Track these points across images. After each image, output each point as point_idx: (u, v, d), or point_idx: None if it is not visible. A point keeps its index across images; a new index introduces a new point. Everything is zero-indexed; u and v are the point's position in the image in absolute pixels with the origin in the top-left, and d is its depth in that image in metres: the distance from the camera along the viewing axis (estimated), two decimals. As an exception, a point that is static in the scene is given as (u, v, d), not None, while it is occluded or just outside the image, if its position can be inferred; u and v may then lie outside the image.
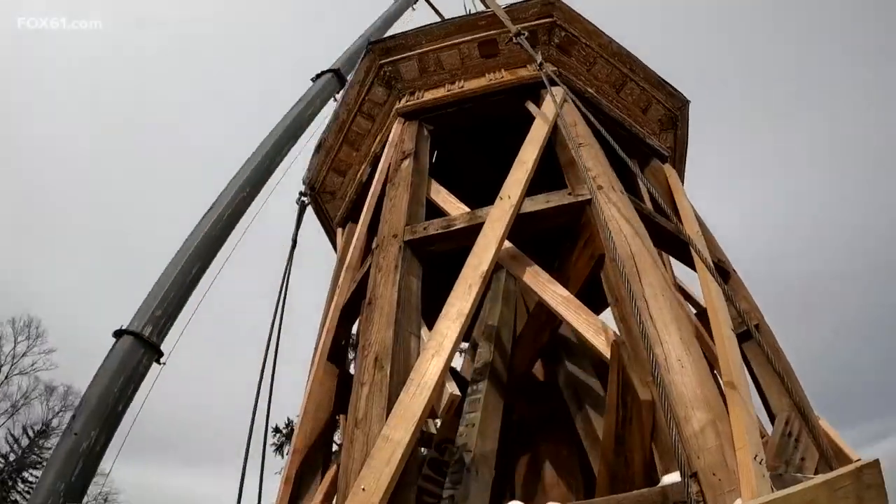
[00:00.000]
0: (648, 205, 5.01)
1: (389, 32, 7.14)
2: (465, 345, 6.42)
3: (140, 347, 3.82)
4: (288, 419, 17.14)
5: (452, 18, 6.76)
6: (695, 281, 4.82)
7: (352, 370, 4.95)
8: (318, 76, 6.80)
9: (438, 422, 4.85)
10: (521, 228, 4.28)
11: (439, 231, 4.41)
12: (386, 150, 5.57)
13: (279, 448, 16.92)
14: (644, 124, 6.25)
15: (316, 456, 4.63)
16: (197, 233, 4.62)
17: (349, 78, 6.67)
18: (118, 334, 3.84)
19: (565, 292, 4.01)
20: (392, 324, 3.70)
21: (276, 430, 17.09)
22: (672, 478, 2.77)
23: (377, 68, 6.09)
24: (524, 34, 5.52)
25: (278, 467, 16.90)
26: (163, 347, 3.99)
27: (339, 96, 6.44)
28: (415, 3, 9.81)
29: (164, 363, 3.97)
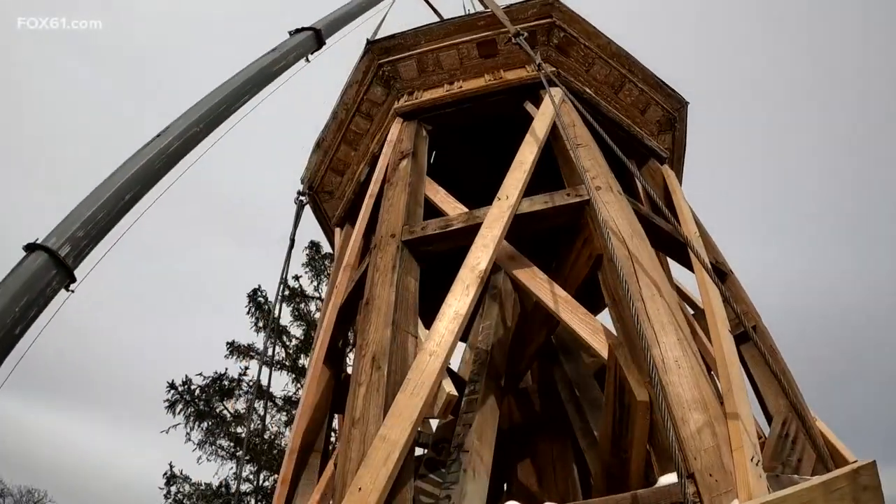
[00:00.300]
0: (646, 206, 5.01)
1: (388, 31, 7.07)
2: (462, 345, 6.43)
3: (53, 268, 3.35)
4: (186, 377, 17.20)
5: (452, 18, 6.75)
6: (693, 282, 4.83)
7: (349, 370, 4.95)
8: (297, 31, 6.42)
9: (436, 422, 4.87)
10: (519, 229, 4.27)
11: (437, 231, 4.41)
12: (384, 149, 5.56)
13: (171, 406, 16.83)
14: (642, 125, 6.26)
15: (313, 455, 4.63)
16: (139, 157, 4.11)
17: (328, 41, 6.51)
18: (30, 248, 3.38)
19: (563, 293, 4.01)
20: (389, 324, 3.70)
21: (171, 385, 16.88)
22: (669, 479, 2.77)
23: (376, 68, 6.09)
24: (523, 34, 5.52)
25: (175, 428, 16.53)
26: (76, 273, 3.50)
27: (311, 56, 6.25)
28: None
29: (73, 291, 3.47)
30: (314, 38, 6.31)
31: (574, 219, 4.34)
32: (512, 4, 6.10)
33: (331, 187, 6.78)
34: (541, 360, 5.71)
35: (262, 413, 15.73)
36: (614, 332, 3.71)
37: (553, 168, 4.90)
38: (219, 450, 16.61)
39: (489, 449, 4.19)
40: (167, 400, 16.91)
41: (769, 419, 4.15)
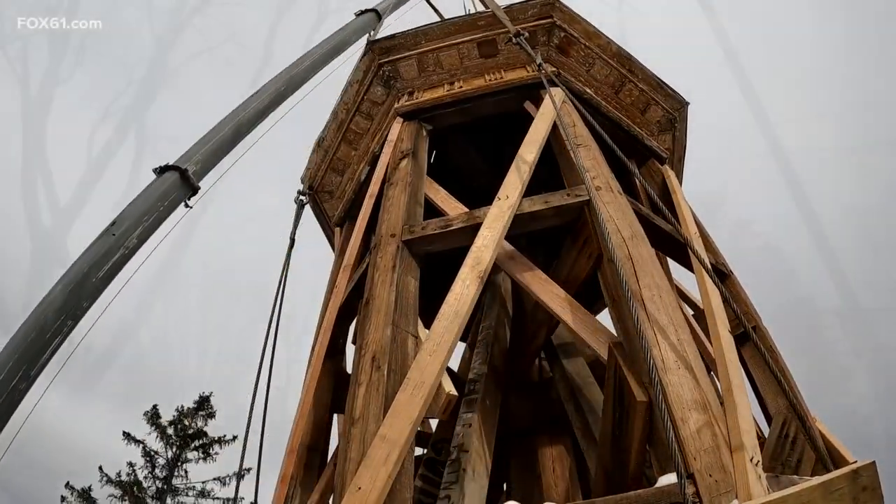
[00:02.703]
0: (646, 206, 5.01)
1: (388, 31, 7.19)
2: (462, 345, 6.43)
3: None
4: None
5: (452, 18, 6.76)
6: (693, 282, 4.83)
7: (349, 369, 4.95)
8: (362, 13, 7.53)
9: (435, 422, 4.86)
10: (520, 229, 4.28)
11: (437, 231, 4.40)
12: (384, 149, 5.56)
13: None
14: (643, 125, 6.25)
15: (312, 455, 4.63)
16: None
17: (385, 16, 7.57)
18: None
19: (563, 293, 4.01)
20: (389, 323, 3.70)
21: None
22: (668, 479, 2.77)
23: (376, 67, 6.09)
24: (524, 35, 5.52)
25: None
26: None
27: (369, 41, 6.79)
28: None
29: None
30: (376, 16, 7.52)
31: (574, 219, 4.34)
32: (512, 4, 6.10)
33: (331, 187, 6.78)
34: (541, 360, 5.71)
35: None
36: (614, 332, 3.71)
37: (553, 168, 4.89)
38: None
39: (489, 449, 4.19)
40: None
41: (769, 419, 4.15)
